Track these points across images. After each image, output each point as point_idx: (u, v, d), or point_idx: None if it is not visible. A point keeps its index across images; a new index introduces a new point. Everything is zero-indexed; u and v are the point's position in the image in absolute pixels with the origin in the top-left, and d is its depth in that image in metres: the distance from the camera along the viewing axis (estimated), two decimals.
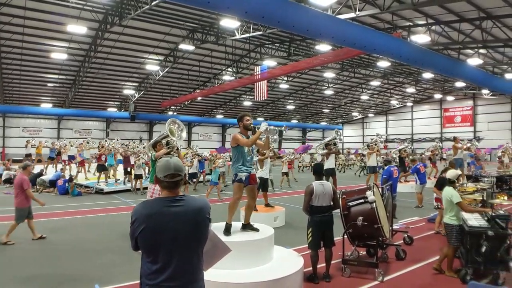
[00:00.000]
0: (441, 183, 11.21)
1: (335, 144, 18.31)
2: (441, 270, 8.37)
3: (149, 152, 12.43)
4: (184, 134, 11.72)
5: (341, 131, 22.83)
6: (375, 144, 21.66)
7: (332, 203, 7.96)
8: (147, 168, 23.48)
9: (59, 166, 26.78)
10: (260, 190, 14.15)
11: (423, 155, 25.11)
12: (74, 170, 25.77)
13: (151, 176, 10.94)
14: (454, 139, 19.77)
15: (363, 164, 35.18)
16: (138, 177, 22.30)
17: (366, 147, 23.48)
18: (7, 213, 15.63)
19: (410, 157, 22.17)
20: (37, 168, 25.65)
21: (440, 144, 28.19)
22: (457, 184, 9.20)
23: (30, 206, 11.38)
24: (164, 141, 11.50)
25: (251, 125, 7.73)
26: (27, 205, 11.23)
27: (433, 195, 12.38)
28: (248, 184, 7.67)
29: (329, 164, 16.84)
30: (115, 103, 54.85)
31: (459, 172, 8.91)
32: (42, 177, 23.77)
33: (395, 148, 30.37)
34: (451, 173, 8.68)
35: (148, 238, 3.32)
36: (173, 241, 3.32)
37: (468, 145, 22.81)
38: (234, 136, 7.59)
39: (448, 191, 8.27)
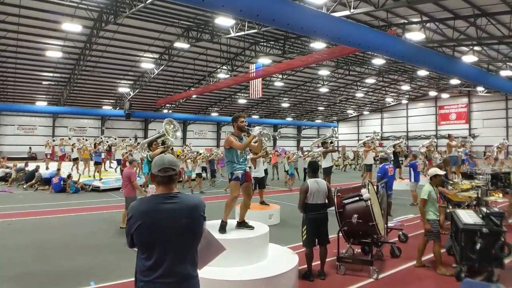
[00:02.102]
0: None
1: (331, 142, 18.21)
2: (424, 264, 8.47)
3: (143, 152, 12.58)
4: (179, 134, 11.83)
5: (336, 129, 22.49)
6: (372, 142, 21.51)
7: (326, 201, 8.00)
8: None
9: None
10: (257, 187, 14.37)
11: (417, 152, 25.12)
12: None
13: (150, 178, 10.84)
14: (449, 137, 19.76)
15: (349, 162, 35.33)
16: None
17: (362, 144, 23.14)
18: (3, 211, 15.64)
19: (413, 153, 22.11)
20: (31, 166, 25.70)
21: (435, 141, 28.12)
22: (451, 182, 9.26)
23: (136, 195, 12.39)
24: (159, 141, 11.54)
25: (245, 127, 7.74)
26: (134, 194, 12.42)
27: None
28: (244, 181, 7.67)
29: (327, 162, 16.78)
30: (110, 101, 54.71)
31: (437, 170, 8.96)
32: (39, 172, 23.92)
33: (388, 145, 30.13)
34: (430, 171, 8.83)
35: (144, 234, 3.35)
36: (167, 238, 3.35)
37: (465, 140, 22.81)
38: (228, 139, 7.60)
39: (424, 187, 8.49)
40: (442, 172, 8.99)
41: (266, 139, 7.69)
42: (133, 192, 12.45)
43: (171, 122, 11.76)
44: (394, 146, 22.47)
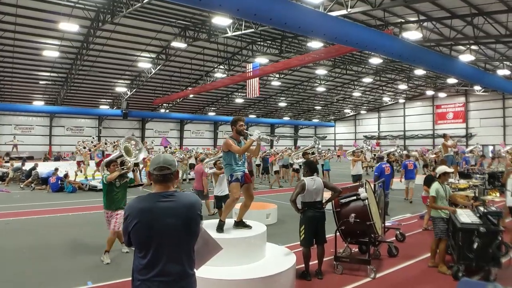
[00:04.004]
0: (429, 181, 11.34)
1: (313, 153, 17.84)
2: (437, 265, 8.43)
3: (102, 172, 10.89)
4: (142, 156, 10.79)
5: (318, 139, 21.78)
6: (361, 152, 20.85)
7: (322, 199, 8.04)
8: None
9: None
10: (215, 206, 13.30)
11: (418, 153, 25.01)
12: None
13: (104, 202, 9.72)
14: (444, 136, 19.64)
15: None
16: None
17: (351, 153, 22.33)
18: (4, 210, 15.65)
19: (405, 152, 21.86)
20: (28, 165, 25.68)
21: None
22: (450, 180, 9.25)
23: (202, 190, 13.86)
24: (119, 161, 10.16)
25: (244, 130, 7.73)
26: (203, 188, 13.71)
27: (423, 193, 12.51)
28: (244, 182, 7.68)
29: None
30: (108, 100, 54.54)
31: (446, 168, 8.95)
32: (36, 170, 23.84)
33: (384, 151, 29.63)
34: (438, 169, 8.81)
35: (140, 233, 3.38)
36: (163, 236, 3.38)
37: (471, 147, 22.83)
38: (226, 142, 7.57)
39: (433, 184, 8.49)
40: (450, 170, 9.02)
41: (265, 143, 7.70)
42: (202, 186, 13.82)
43: (130, 139, 10.68)
44: (388, 155, 21.97)
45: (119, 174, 9.60)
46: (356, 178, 17.97)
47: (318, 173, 8.54)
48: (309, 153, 17.35)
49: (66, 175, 22.05)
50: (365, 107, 73.97)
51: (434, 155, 26.58)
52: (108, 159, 10.83)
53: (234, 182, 7.57)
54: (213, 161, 14.49)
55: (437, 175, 8.65)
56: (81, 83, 45.00)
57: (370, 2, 21.77)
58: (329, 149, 28.41)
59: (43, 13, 27.83)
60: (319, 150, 22.28)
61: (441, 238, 8.20)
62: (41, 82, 44.05)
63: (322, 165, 27.45)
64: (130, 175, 10.44)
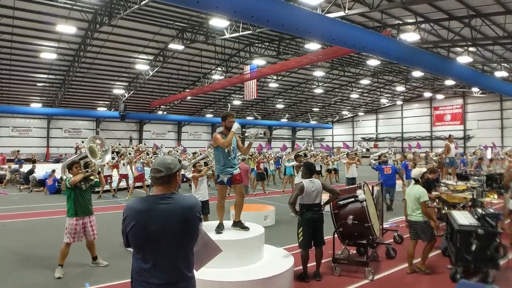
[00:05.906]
0: (428, 184, 11.33)
1: (305, 155, 17.63)
2: (418, 270, 8.39)
3: (63, 175, 10.44)
4: (108, 157, 10.07)
5: (311, 141, 21.37)
6: (355, 154, 20.61)
7: (321, 201, 8.02)
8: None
9: None
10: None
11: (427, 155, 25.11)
12: None
13: (68, 209, 8.98)
14: (449, 137, 19.51)
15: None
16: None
17: (345, 155, 22.06)
18: (2, 212, 15.62)
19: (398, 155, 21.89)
20: (25, 167, 25.64)
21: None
22: (448, 182, 9.24)
23: (247, 186, 15.50)
24: (82, 162, 9.38)
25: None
26: (247, 184, 14.91)
27: None
28: (230, 184, 7.70)
29: (300, 178, 15.13)
30: (105, 102, 54.49)
31: (422, 170, 8.94)
32: (33, 175, 23.82)
33: (373, 155, 29.23)
34: (415, 172, 8.74)
35: (138, 234, 3.37)
36: (161, 238, 3.37)
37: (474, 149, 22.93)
38: (215, 136, 7.63)
39: (416, 189, 8.33)
40: (424, 169, 9.00)
41: (252, 140, 7.72)
42: (247, 182, 15.20)
43: (95, 139, 9.86)
44: (379, 156, 21.74)
45: (83, 176, 8.89)
46: (351, 181, 17.66)
47: (336, 171, 8.54)
48: (301, 155, 17.13)
49: (62, 177, 21.96)
50: (362, 109, 73.93)
51: (438, 157, 26.49)
52: (70, 160, 10.11)
53: (219, 184, 7.74)
54: (192, 164, 13.71)
55: (417, 179, 8.55)
56: (79, 85, 44.96)
57: (368, 4, 21.77)
58: (333, 152, 28.81)
59: (40, 15, 27.79)
60: (313, 153, 22.14)
61: (429, 241, 8.19)
62: (38, 84, 44.03)
63: (334, 169, 28.30)
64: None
